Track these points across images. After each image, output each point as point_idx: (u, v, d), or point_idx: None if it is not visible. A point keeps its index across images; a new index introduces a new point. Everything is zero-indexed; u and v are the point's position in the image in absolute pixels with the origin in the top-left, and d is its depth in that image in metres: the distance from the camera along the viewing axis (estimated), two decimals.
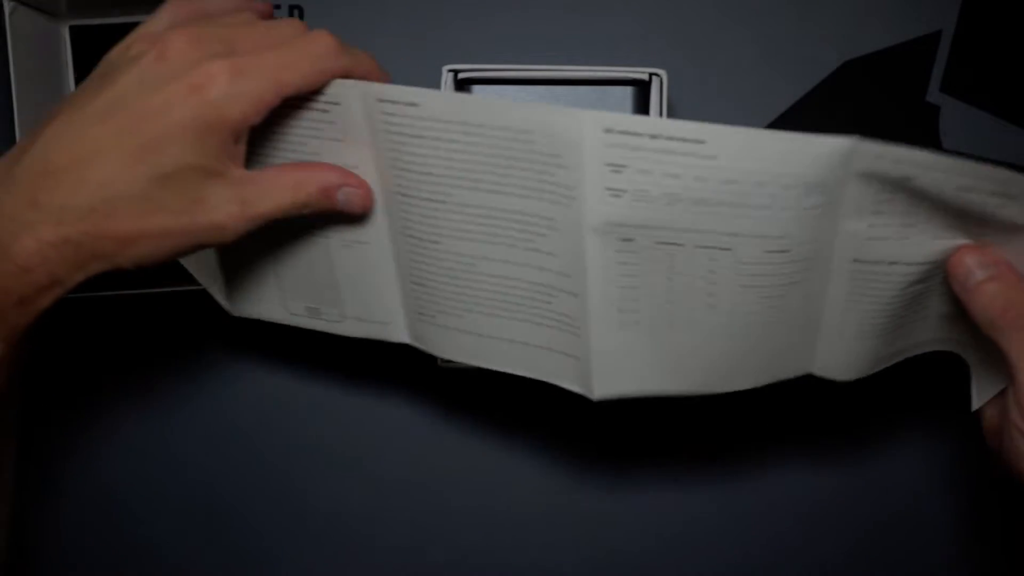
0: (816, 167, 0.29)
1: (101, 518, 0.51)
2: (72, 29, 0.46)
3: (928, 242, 0.32)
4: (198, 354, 0.50)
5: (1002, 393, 0.34)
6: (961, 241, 0.32)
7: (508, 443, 0.50)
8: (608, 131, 0.30)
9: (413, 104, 0.32)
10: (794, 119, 0.47)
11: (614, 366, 0.35)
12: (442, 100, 0.32)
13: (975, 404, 0.36)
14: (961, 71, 0.46)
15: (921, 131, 0.47)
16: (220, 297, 0.42)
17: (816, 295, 0.33)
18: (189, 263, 0.39)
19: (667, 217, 0.31)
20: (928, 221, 0.31)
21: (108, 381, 0.50)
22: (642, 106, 0.40)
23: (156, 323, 0.50)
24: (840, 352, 0.35)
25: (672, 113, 0.45)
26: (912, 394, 0.47)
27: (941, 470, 0.48)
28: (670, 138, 0.29)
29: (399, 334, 0.39)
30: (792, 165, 0.29)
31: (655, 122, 0.30)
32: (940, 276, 0.33)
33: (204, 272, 0.41)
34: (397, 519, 0.50)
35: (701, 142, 0.29)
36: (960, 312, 0.33)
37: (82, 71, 0.46)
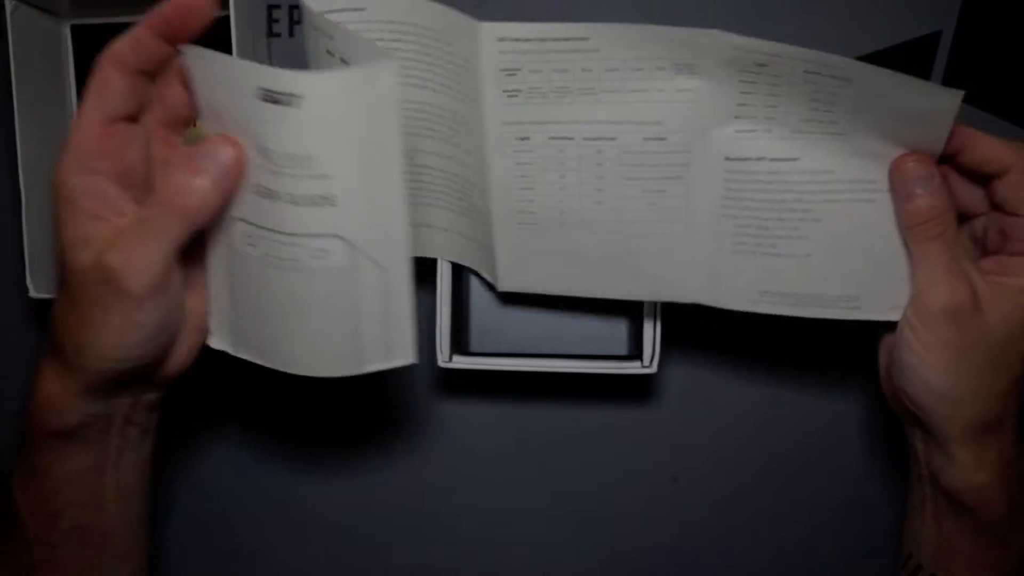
0: (683, 49, 0.32)
1: None
2: (73, 28, 0.46)
3: (789, 136, 0.34)
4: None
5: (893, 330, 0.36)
6: (817, 136, 0.34)
7: (508, 443, 0.50)
8: (501, 39, 0.33)
9: (360, 9, 0.34)
10: None
11: (513, 263, 0.39)
12: (384, 2, 0.34)
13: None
14: (961, 71, 0.46)
15: None
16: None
17: (694, 196, 0.36)
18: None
19: (558, 110, 0.34)
20: (787, 114, 0.34)
21: None
22: None
23: None
24: (723, 272, 0.37)
25: None
26: None
27: None
28: (557, 39, 0.33)
29: None
30: (663, 49, 0.32)
31: (542, 27, 0.33)
32: (804, 203, 0.35)
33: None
34: (397, 521, 0.50)
35: (585, 39, 0.32)
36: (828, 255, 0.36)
37: (83, 70, 0.46)
